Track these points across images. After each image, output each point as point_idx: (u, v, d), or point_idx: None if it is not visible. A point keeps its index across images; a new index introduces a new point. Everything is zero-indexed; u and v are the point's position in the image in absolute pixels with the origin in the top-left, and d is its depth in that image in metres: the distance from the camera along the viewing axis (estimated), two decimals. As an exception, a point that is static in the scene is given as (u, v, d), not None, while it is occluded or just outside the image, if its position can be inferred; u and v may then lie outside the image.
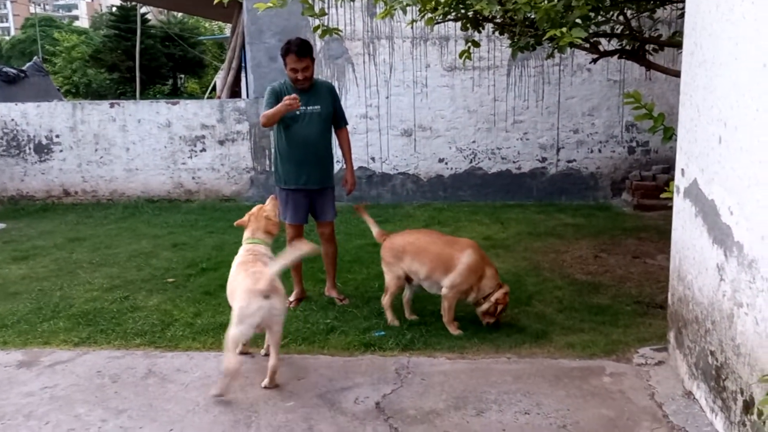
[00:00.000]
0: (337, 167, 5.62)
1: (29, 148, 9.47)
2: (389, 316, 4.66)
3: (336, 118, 5.12)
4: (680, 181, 3.59)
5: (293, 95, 4.59)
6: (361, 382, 3.81)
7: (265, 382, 3.75)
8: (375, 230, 4.80)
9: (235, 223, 4.41)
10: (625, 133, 8.82)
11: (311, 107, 4.91)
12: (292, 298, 5.11)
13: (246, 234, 4.27)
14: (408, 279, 4.64)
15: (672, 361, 3.81)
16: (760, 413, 1.58)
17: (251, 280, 3.66)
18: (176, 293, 5.38)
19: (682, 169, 3.57)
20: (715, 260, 3.06)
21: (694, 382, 3.40)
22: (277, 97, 4.83)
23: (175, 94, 25.24)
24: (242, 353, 4.16)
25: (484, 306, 4.46)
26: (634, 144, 8.87)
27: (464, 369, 3.96)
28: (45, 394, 3.74)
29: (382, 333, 4.48)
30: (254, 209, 4.36)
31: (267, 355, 4.06)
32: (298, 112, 4.85)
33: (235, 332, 3.60)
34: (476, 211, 8.43)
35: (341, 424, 3.37)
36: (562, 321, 4.65)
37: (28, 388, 3.81)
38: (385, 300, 4.68)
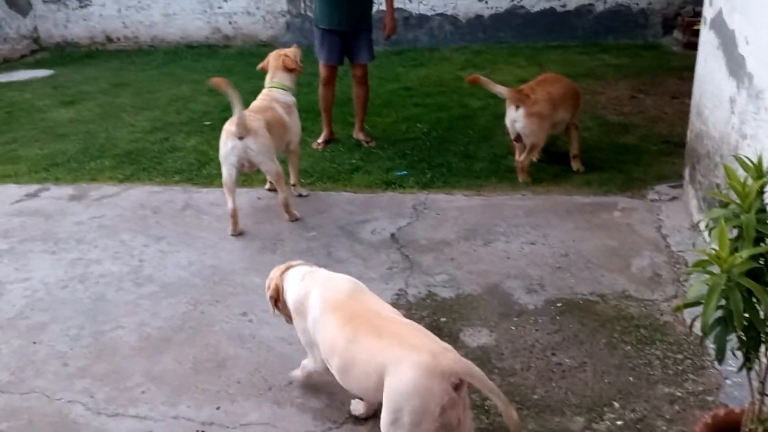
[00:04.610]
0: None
1: (68, -6, 9.48)
2: (525, 176, 4.37)
3: None
4: (707, 11, 3.42)
5: None
6: (380, 216, 4.05)
7: (286, 217, 4.02)
8: (500, 89, 4.36)
9: (257, 67, 4.49)
10: (681, -36, 8.12)
11: None
12: (320, 140, 5.26)
13: (267, 78, 4.36)
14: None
15: (684, 197, 3.87)
16: (707, 225, 1.67)
17: (228, 124, 3.83)
18: (212, 135, 5.57)
19: (712, -2, 3.39)
20: (729, 93, 3.00)
21: (702, 216, 3.48)
22: None
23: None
24: (270, 190, 4.42)
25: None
26: (690, -24, 8.19)
27: (478, 205, 4.13)
28: (93, 223, 4.13)
29: (404, 173, 4.64)
30: (273, 53, 4.40)
31: (271, 190, 4.36)
32: None
33: (223, 174, 3.86)
34: (515, 53, 8.14)
35: (357, 251, 3.65)
36: (583, 161, 4.68)
37: (78, 218, 4.21)
38: (526, 160, 4.35)
